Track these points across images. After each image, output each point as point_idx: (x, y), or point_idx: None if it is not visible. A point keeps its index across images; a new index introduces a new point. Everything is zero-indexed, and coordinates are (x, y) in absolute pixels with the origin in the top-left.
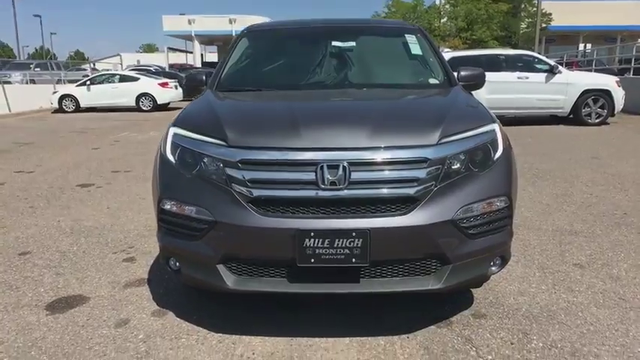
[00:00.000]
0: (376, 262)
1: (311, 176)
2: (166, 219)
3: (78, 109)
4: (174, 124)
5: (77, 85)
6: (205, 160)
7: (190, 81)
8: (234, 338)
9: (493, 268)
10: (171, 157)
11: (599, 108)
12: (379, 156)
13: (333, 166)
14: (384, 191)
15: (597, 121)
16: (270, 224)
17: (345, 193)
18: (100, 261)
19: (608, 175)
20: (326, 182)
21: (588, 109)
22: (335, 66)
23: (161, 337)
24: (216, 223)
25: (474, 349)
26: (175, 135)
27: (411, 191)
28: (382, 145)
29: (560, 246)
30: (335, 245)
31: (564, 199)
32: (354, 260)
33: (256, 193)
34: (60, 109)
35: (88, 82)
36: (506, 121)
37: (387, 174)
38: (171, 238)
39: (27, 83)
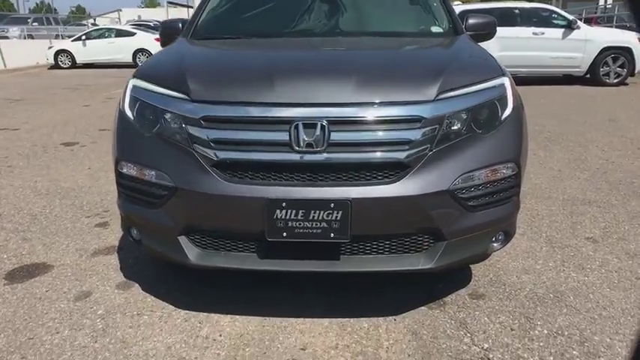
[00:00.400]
0: (359, 238)
1: (284, 137)
2: (125, 184)
3: (74, 65)
4: (135, 75)
5: (73, 40)
6: (166, 116)
7: (165, 29)
8: (201, 317)
9: (495, 245)
10: (129, 113)
11: (618, 67)
12: (364, 114)
13: (310, 125)
14: (369, 155)
15: (615, 81)
16: (236, 192)
17: (324, 156)
18: (72, 225)
19: (626, 139)
20: (301, 144)
21: (606, 68)
22: (325, 11)
23: (122, 314)
24: (177, 189)
25: (468, 335)
26: (135, 88)
27: (402, 156)
28: (368, 101)
29: (571, 217)
30: (310, 217)
31: (577, 165)
32: (332, 235)
33: (221, 155)
34: (56, 65)
35: (84, 37)
36: (519, 80)
37: (373, 135)
38: (131, 205)
39: (25, 38)
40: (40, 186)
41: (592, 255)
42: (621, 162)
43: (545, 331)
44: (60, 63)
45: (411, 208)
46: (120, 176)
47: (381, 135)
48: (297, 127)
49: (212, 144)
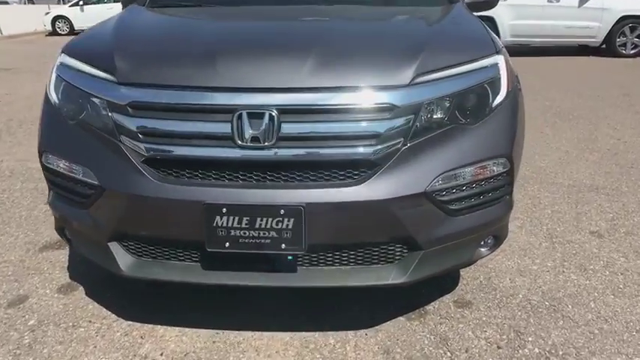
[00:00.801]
0: (318, 247)
1: (225, 128)
2: (51, 178)
3: (72, 31)
4: (63, 50)
5: (70, 6)
6: (92, 101)
7: None
8: (145, 330)
9: (482, 250)
10: (54, 96)
11: (635, 38)
12: (322, 101)
13: (257, 114)
14: (329, 152)
15: (632, 52)
16: (169, 193)
17: (273, 153)
18: (27, 213)
19: None
20: (245, 137)
21: (623, 39)
22: None
23: (55, 325)
24: (103, 189)
25: (447, 354)
26: (61, 66)
27: (368, 152)
28: (327, 86)
29: (576, 206)
30: (257, 226)
31: (587, 145)
32: (283, 246)
33: (152, 150)
34: (54, 32)
35: (81, 3)
36: (531, 50)
37: (333, 127)
38: (60, 202)
39: (25, 4)
40: (5, 166)
41: (596, 253)
42: (634, 142)
43: (537, 350)
44: (57, 29)
45: (380, 214)
46: (45, 170)
47: (342, 127)
48: (240, 116)
49: (141, 136)
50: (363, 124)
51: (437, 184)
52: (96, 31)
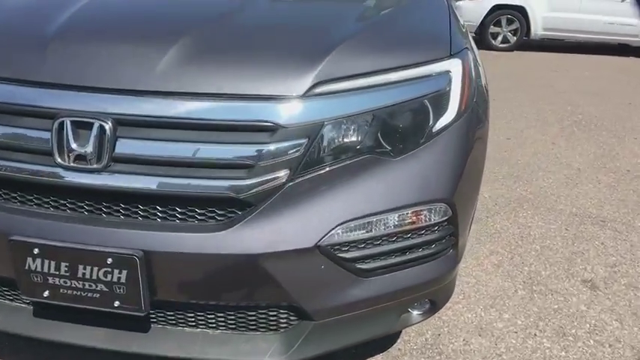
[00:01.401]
0: (168, 306)
1: (43, 139)
2: None
3: None
4: None
5: None
6: None
7: None
8: None
9: (413, 315)
10: None
11: None
12: (175, 112)
13: (84, 123)
14: (181, 182)
15: None
16: None
17: (104, 178)
18: None
19: None
20: (66, 155)
21: None
22: None
23: None
24: None
25: None
26: None
27: (237, 186)
28: (185, 91)
29: (572, 243)
30: (79, 275)
31: (604, 164)
32: (116, 304)
33: None
34: None
35: None
36: (563, 46)
37: (189, 149)
38: None
39: None
40: None
41: (583, 311)
42: None
43: None
44: None
45: (250, 272)
46: None
47: (202, 150)
48: (62, 125)
49: None
50: (231, 147)
51: (337, 235)
52: None
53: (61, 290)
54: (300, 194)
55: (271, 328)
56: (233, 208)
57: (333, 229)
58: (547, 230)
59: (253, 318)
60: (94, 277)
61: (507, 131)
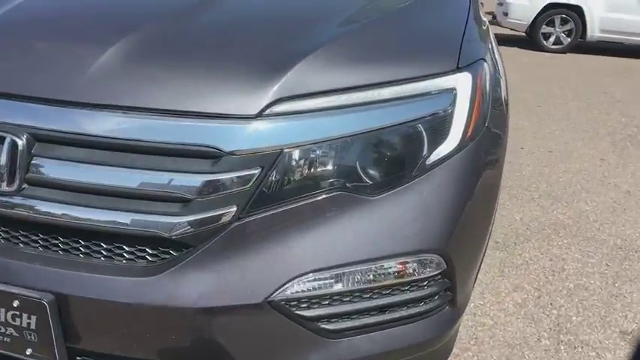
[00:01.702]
0: (94, 357)
1: None
2: None
3: None
4: None
5: None
6: None
7: None
8: None
9: None
10: None
11: None
12: (102, 127)
13: None
14: (105, 215)
15: None
16: None
17: (15, 203)
18: None
19: None
20: None
21: None
22: None
23: None
24: None
25: None
26: None
27: (169, 223)
28: (115, 104)
29: (613, 283)
30: None
31: None
32: (29, 352)
33: None
34: None
35: None
36: (622, 50)
37: (114, 175)
38: None
39: None
40: None
41: None
42: None
43: None
44: None
45: (185, 330)
46: None
47: (129, 176)
48: None
49: None
50: (163, 176)
51: (294, 289)
52: None
53: None
54: (250, 237)
55: None
56: (166, 250)
57: (288, 281)
58: (584, 265)
59: None
60: (2, 319)
61: (550, 142)
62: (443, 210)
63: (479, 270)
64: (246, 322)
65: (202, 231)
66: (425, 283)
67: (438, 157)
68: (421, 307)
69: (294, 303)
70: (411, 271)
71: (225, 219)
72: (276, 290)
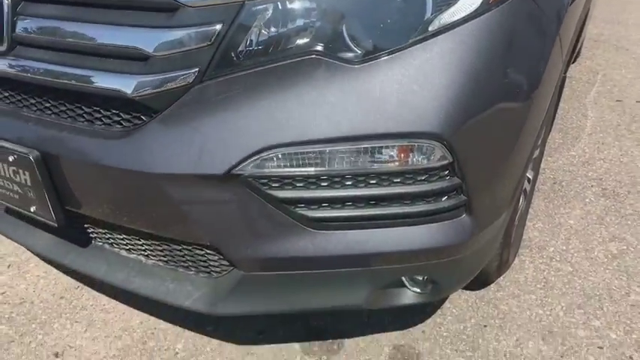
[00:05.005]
0: (87, 222)
1: None
2: None
3: None
4: None
5: None
6: None
7: None
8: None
9: (410, 291)
10: None
11: None
12: None
13: None
14: (79, 73)
15: None
16: None
17: (7, 64)
18: None
19: None
20: None
21: None
22: None
23: None
24: None
25: None
26: None
27: (128, 84)
28: None
29: None
30: None
31: None
32: (33, 209)
33: None
34: None
35: None
36: None
37: (86, 31)
38: None
39: None
40: None
41: None
42: None
43: None
44: None
45: (152, 196)
46: None
47: (96, 33)
48: None
49: None
50: (123, 31)
51: (265, 164)
52: None
53: None
54: (212, 103)
55: (203, 270)
56: (134, 113)
57: (254, 154)
58: None
59: (180, 253)
60: (8, 175)
61: None
62: (446, 88)
63: (521, 188)
64: (212, 196)
65: (164, 92)
66: (425, 176)
67: (447, 22)
68: (425, 206)
69: (265, 181)
70: (404, 157)
71: (186, 80)
72: (241, 162)
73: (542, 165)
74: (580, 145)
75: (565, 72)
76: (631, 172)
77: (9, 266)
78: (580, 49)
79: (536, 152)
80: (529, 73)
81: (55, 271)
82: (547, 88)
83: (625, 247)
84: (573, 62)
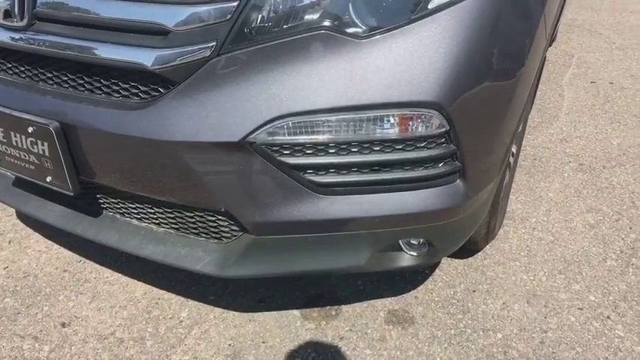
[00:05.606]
0: (106, 191)
1: None
2: None
3: None
4: None
5: None
6: None
7: None
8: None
9: (407, 254)
10: None
11: None
12: None
13: None
14: (100, 47)
15: None
16: None
17: (26, 38)
18: None
19: None
20: None
21: None
22: None
23: None
24: None
25: None
26: None
27: (153, 56)
28: None
29: None
30: (13, 142)
31: None
32: (49, 179)
33: None
34: None
35: None
36: None
37: (106, 7)
38: None
39: None
40: None
41: None
42: None
43: None
44: None
45: (170, 163)
46: None
47: (118, 8)
48: None
49: None
50: (144, 7)
51: (278, 132)
52: None
53: (6, 157)
54: (229, 75)
55: (214, 236)
56: (153, 85)
57: (268, 122)
58: None
59: (192, 220)
60: (25, 146)
61: None
62: (444, 62)
63: (508, 159)
64: (227, 162)
65: (182, 65)
66: (424, 143)
67: (444, 0)
68: (423, 172)
69: (277, 148)
70: (405, 125)
71: (204, 54)
72: (255, 130)
73: (523, 142)
74: (558, 123)
75: (545, 52)
76: (606, 149)
77: (10, 242)
78: (556, 33)
79: (520, 127)
80: (518, 49)
81: (56, 246)
82: (533, 64)
83: (601, 218)
84: (550, 45)
